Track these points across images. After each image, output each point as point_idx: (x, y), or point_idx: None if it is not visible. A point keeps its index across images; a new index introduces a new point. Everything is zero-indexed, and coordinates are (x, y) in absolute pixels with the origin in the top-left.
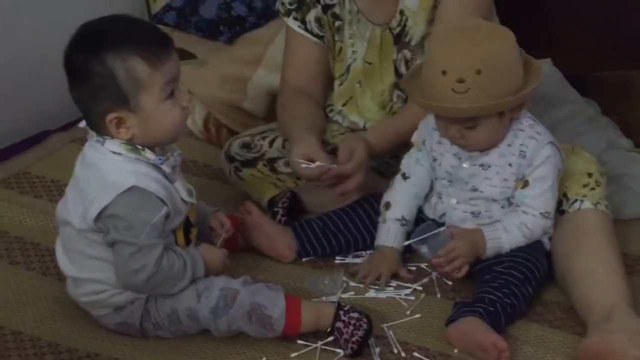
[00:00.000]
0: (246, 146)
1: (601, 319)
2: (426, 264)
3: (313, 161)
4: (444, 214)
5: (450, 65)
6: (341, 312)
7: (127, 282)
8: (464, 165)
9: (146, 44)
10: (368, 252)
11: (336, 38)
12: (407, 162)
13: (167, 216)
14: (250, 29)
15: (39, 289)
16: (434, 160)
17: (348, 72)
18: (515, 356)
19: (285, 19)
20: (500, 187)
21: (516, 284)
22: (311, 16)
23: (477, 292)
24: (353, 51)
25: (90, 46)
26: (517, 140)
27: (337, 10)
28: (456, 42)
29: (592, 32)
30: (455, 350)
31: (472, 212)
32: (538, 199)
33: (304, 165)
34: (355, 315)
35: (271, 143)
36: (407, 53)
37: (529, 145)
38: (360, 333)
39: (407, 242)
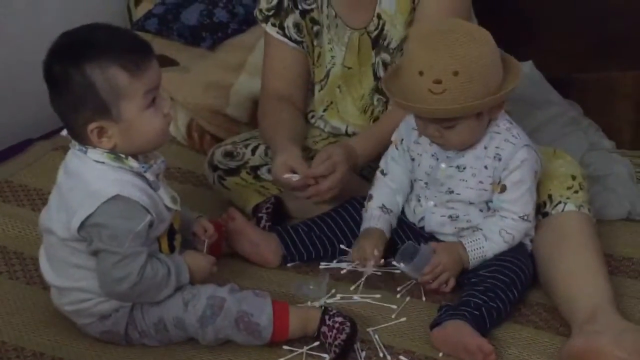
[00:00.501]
0: (229, 155)
1: (585, 320)
2: None
3: (295, 172)
4: (422, 218)
5: (427, 66)
6: (326, 317)
7: (111, 290)
8: (442, 166)
9: (126, 52)
10: None
11: (315, 43)
12: (384, 160)
13: (150, 224)
14: (232, 35)
15: (22, 298)
16: (412, 160)
17: (327, 77)
18: (500, 359)
19: (263, 25)
20: (476, 189)
21: (502, 288)
22: (289, 21)
23: (463, 295)
24: (332, 56)
25: (69, 56)
26: (493, 142)
27: (315, 15)
28: (433, 43)
29: (574, 34)
30: (441, 354)
31: (450, 216)
32: (516, 203)
33: (286, 176)
34: (339, 319)
35: (254, 151)
36: (386, 56)
37: (505, 149)
38: (342, 336)
39: (385, 268)
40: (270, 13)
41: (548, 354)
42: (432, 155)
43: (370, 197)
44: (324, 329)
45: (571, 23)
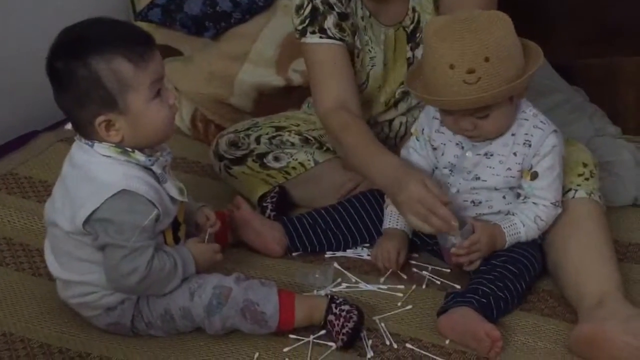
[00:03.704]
0: (234, 144)
1: (593, 306)
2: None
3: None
4: None
5: (458, 57)
6: (333, 305)
7: (118, 284)
8: (467, 155)
9: (129, 44)
10: (359, 248)
11: (357, 45)
12: (404, 152)
13: (157, 218)
14: (235, 25)
15: (29, 289)
16: (434, 149)
17: (368, 80)
18: (507, 345)
19: (302, 39)
20: (503, 176)
21: (511, 279)
22: (329, 23)
23: (471, 282)
24: (371, 57)
25: (72, 51)
26: (521, 129)
27: (351, 18)
28: (458, 34)
29: (577, 20)
30: (447, 341)
31: (473, 201)
32: (549, 189)
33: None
34: (346, 307)
35: (258, 139)
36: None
37: (535, 135)
38: (350, 325)
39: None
40: (306, 23)
41: (555, 340)
42: (457, 144)
43: None
44: (331, 317)
45: (574, 9)
